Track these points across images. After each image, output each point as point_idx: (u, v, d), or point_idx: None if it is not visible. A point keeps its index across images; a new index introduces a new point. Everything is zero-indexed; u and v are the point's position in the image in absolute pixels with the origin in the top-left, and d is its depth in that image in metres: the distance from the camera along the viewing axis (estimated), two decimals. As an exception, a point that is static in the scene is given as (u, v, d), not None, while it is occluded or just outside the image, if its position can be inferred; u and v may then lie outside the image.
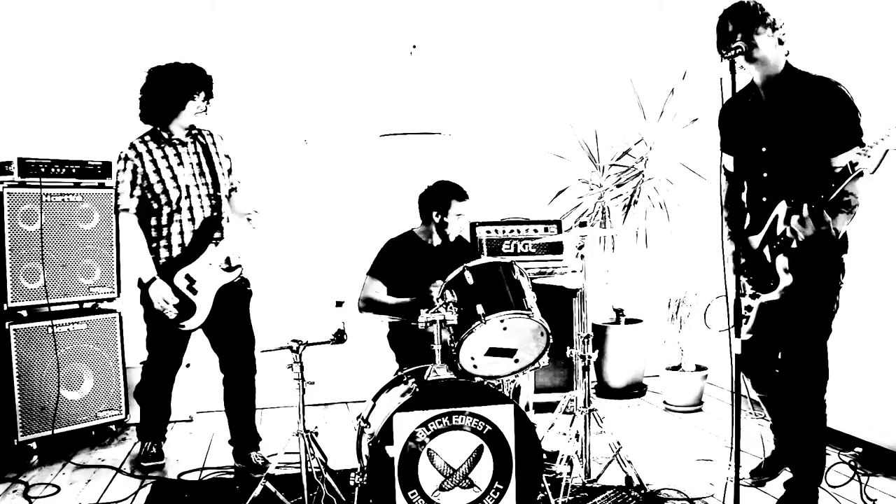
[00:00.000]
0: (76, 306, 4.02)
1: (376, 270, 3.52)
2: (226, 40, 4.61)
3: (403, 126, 4.90)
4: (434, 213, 3.53)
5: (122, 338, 4.13)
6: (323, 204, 4.70)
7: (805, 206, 2.55)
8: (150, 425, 3.76)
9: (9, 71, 4.37)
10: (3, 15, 4.38)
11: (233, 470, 3.58)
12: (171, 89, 3.35)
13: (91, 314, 4.03)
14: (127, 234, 3.41)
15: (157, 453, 3.71)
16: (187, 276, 3.35)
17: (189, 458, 3.83)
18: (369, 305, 3.46)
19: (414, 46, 4.90)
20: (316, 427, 3.03)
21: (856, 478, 3.04)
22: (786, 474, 3.22)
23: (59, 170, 3.92)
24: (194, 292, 3.36)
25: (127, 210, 3.38)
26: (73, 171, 3.97)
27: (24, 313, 3.82)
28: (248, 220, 3.59)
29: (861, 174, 2.40)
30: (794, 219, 2.59)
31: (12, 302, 3.77)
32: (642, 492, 3.11)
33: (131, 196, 3.37)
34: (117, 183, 3.41)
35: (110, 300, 4.13)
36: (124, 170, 3.38)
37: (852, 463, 3.10)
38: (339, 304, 3.01)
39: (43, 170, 3.85)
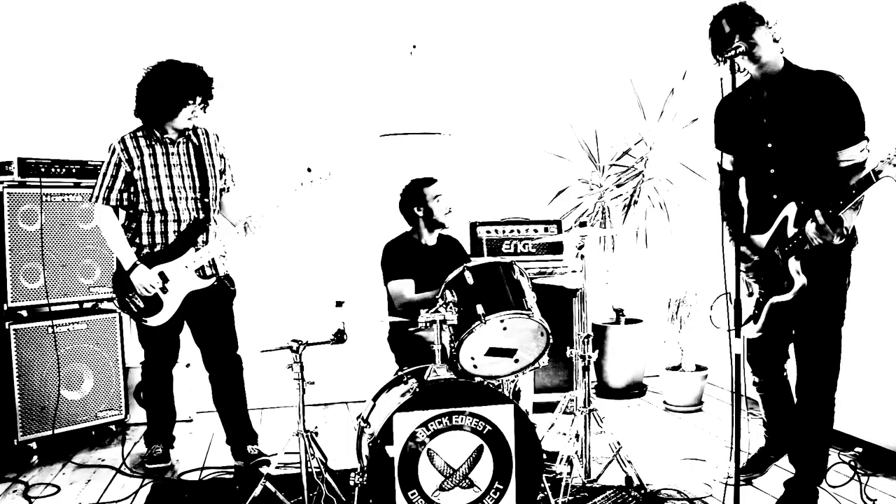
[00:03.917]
0: (76, 306, 4.03)
1: (394, 272, 3.49)
2: (225, 39, 4.60)
3: (404, 126, 4.89)
4: (416, 209, 3.58)
5: (122, 338, 4.13)
6: (323, 203, 4.69)
7: (819, 213, 2.56)
8: (156, 429, 3.74)
9: (9, 71, 4.37)
10: (4, 15, 4.38)
11: (233, 470, 3.58)
12: (166, 93, 3.24)
13: (91, 314, 4.04)
14: (106, 225, 3.37)
15: (162, 455, 3.69)
16: (161, 274, 3.33)
17: (189, 458, 3.83)
18: (409, 309, 3.34)
19: (414, 46, 4.90)
20: (316, 427, 3.03)
21: (856, 478, 3.05)
22: (776, 471, 3.23)
23: (59, 170, 3.92)
24: (164, 291, 3.35)
25: (107, 201, 3.34)
26: (73, 171, 3.97)
27: (24, 313, 3.82)
28: (245, 227, 3.41)
29: (874, 181, 2.41)
30: (811, 227, 2.59)
31: (12, 302, 3.77)
32: (642, 492, 3.11)
33: (112, 189, 3.34)
34: (102, 174, 3.35)
35: (110, 300, 4.11)
36: (110, 163, 3.34)
37: (852, 463, 3.11)
38: (339, 304, 3.00)
39: (43, 170, 3.85)
